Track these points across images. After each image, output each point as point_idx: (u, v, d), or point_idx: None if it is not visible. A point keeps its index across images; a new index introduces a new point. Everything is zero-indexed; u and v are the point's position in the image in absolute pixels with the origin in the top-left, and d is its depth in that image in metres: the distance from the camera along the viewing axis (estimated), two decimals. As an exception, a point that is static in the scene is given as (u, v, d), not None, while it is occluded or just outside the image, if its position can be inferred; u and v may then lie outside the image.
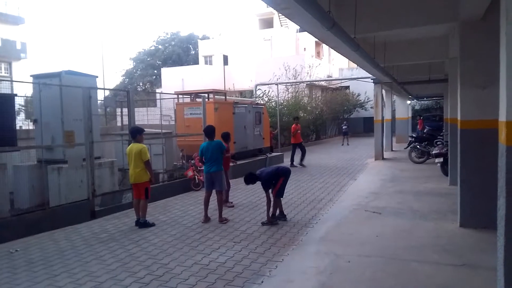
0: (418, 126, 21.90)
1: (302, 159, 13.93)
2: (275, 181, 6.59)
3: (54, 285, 4.32)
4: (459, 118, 6.04)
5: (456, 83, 7.26)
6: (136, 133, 6.81)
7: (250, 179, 6.56)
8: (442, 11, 6.08)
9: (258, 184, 6.71)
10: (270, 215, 6.56)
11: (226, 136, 8.04)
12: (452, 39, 8.30)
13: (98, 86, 9.09)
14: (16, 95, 7.86)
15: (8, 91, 8.61)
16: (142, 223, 6.60)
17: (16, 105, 8.22)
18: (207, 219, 6.85)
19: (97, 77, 9.49)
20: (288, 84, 24.05)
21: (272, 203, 6.61)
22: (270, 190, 6.60)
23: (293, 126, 14.03)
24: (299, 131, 14.07)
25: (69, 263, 4.99)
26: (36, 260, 5.12)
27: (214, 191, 6.98)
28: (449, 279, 4.12)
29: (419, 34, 9.14)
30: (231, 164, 8.66)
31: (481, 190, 5.62)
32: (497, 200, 2.82)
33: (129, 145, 6.95)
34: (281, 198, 6.77)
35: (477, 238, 5.43)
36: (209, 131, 7.09)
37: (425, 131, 18.90)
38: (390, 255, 4.86)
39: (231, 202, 8.10)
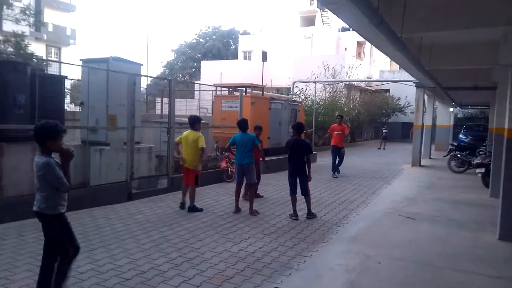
0: None
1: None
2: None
3: (92, 258, 4.55)
4: (506, 126, 5.78)
5: (505, 91, 6.94)
6: (195, 121, 7.05)
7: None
8: (496, 14, 5.83)
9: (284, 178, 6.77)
10: (293, 211, 6.71)
11: (258, 129, 8.12)
12: (504, 45, 7.92)
13: (142, 74, 9.36)
14: (66, 77, 8.25)
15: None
16: (192, 208, 6.87)
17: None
18: (238, 210, 6.95)
19: (141, 65, 9.81)
20: (326, 83, 23.76)
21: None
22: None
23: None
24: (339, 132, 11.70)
25: (106, 239, 5.23)
26: (76, 234, 5.33)
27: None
28: (484, 290, 3.99)
29: (468, 38, 8.76)
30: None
31: (524, 203, 5.37)
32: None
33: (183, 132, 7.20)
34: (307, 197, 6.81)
35: (517, 252, 5.20)
36: (243, 124, 7.17)
37: (466, 140, 18.15)
38: (423, 261, 4.75)
39: (260, 194, 8.17)
